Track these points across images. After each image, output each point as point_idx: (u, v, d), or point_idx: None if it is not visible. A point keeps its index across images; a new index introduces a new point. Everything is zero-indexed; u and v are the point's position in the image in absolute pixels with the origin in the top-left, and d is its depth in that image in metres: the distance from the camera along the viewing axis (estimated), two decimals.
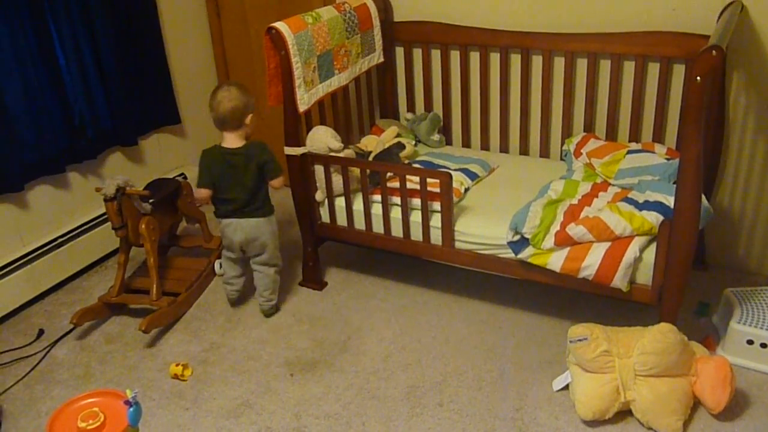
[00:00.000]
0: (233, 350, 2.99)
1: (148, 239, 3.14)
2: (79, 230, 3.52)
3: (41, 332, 3.16)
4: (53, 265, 3.40)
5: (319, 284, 3.39)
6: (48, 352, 3.04)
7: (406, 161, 3.28)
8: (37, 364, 2.97)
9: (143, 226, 3.12)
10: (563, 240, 2.62)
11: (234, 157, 2.95)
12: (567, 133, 3.37)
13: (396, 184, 2.94)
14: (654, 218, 2.55)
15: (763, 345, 2.64)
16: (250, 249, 3.08)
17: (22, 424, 2.65)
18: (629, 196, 2.77)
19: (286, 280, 3.44)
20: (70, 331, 3.15)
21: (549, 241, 2.64)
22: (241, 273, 3.21)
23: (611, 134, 3.27)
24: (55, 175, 3.38)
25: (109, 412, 2.10)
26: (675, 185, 2.37)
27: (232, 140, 2.96)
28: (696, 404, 2.49)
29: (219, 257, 3.54)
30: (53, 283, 3.44)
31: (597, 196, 2.87)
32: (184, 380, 2.83)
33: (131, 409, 2.09)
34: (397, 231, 3.03)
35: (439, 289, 3.29)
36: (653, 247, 2.54)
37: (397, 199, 2.98)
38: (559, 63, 3.27)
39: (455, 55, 3.51)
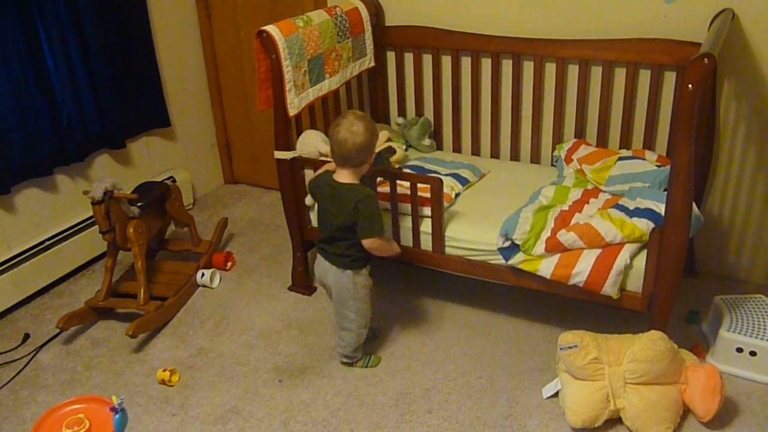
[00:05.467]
0: (221, 356, 2.97)
1: (135, 243, 3.12)
2: (66, 233, 3.49)
3: (27, 336, 3.13)
4: (40, 269, 3.37)
5: (309, 289, 3.37)
6: (33, 356, 3.01)
7: (397, 166, 3.27)
8: (23, 368, 2.94)
9: (131, 230, 3.10)
10: (554, 246, 2.61)
11: (336, 189, 2.61)
12: (558, 139, 3.37)
13: (386, 188, 2.92)
14: (644, 225, 2.55)
15: (752, 353, 2.65)
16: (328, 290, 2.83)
17: (6, 430, 2.62)
18: (620, 202, 2.77)
19: (275, 286, 3.43)
20: (56, 335, 3.11)
21: (539, 248, 2.63)
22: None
23: (602, 141, 3.27)
24: (42, 177, 3.36)
25: (94, 419, 2.09)
26: (665, 192, 2.38)
27: (345, 175, 2.61)
28: (686, 412, 2.49)
29: (205, 266, 3.51)
30: (39, 287, 3.41)
31: (588, 203, 2.87)
32: (171, 386, 2.80)
33: (117, 416, 2.07)
34: (387, 236, 3.01)
35: (429, 295, 3.28)
36: (644, 254, 2.54)
37: (387, 204, 2.96)
38: (551, 69, 3.27)
39: (447, 60, 3.51)
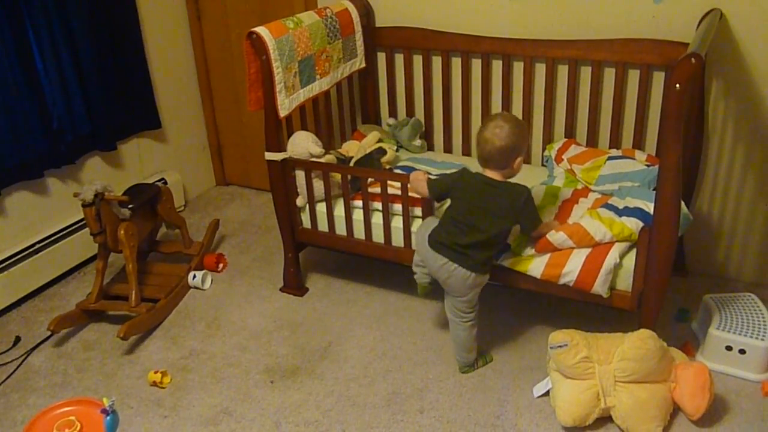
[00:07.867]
0: (213, 357, 2.97)
1: (126, 245, 3.11)
2: (57, 236, 3.48)
3: (18, 339, 3.12)
4: (30, 272, 3.36)
5: (300, 290, 3.37)
6: (24, 359, 3.00)
7: (388, 166, 3.28)
8: (14, 371, 2.93)
9: (122, 232, 3.09)
10: (544, 246, 2.62)
11: (494, 187, 2.53)
12: (548, 138, 3.38)
13: (377, 189, 2.93)
14: (634, 224, 2.56)
15: (741, 351, 2.66)
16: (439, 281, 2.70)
17: None
18: (609, 202, 2.78)
19: (267, 287, 3.43)
20: (48, 338, 3.11)
21: (530, 248, 2.65)
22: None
23: (592, 140, 3.28)
24: (32, 180, 3.35)
25: (85, 421, 2.09)
26: (654, 192, 2.39)
27: (492, 174, 2.56)
28: (675, 410, 2.50)
29: (196, 268, 3.51)
30: (30, 290, 3.40)
31: (577, 203, 2.88)
32: (162, 387, 2.80)
33: (108, 418, 2.08)
34: (378, 237, 3.02)
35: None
36: (633, 253, 2.55)
37: (378, 205, 2.97)
38: (541, 69, 3.28)
39: (437, 61, 3.51)
